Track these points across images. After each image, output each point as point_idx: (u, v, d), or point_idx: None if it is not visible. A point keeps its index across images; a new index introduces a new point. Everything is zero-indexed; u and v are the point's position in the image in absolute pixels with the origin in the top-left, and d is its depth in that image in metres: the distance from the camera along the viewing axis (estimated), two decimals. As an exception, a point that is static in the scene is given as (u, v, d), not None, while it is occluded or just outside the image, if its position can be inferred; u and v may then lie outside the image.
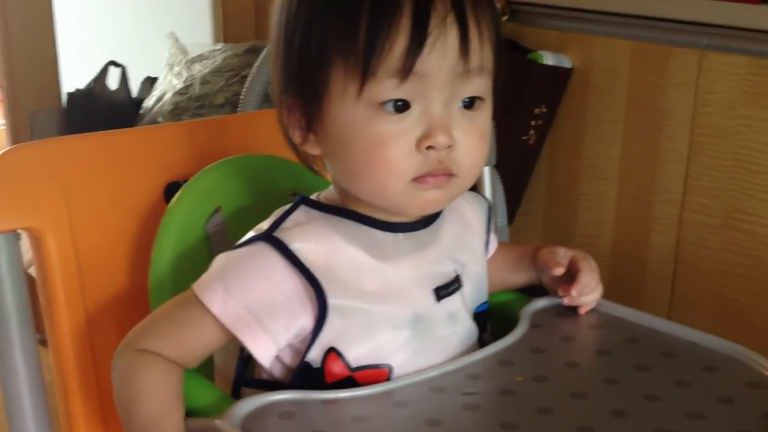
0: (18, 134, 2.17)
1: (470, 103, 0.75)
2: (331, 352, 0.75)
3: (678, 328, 0.83)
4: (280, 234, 0.76)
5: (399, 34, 0.70)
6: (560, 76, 1.83)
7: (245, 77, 1.91)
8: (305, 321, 0.75)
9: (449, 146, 0.73)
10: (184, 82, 2.21)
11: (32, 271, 0.94)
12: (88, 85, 2.26)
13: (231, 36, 2.50)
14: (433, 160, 0.73)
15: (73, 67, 2.30)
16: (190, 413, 0.75)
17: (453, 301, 0.81)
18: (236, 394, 0.81)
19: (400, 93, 0.71)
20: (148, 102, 2.25)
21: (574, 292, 0.86)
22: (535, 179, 1.94)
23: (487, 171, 1.46)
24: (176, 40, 2.35)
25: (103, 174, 0.95)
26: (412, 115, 0.72)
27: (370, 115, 0.72)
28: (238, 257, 0.76)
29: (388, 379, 0.76)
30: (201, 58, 2.28)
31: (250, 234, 0.78)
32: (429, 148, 0.72)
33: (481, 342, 0.84)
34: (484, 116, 0.76)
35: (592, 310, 0.88)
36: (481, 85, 0.75)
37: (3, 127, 2.40)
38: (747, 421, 0.69)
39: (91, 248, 0.93)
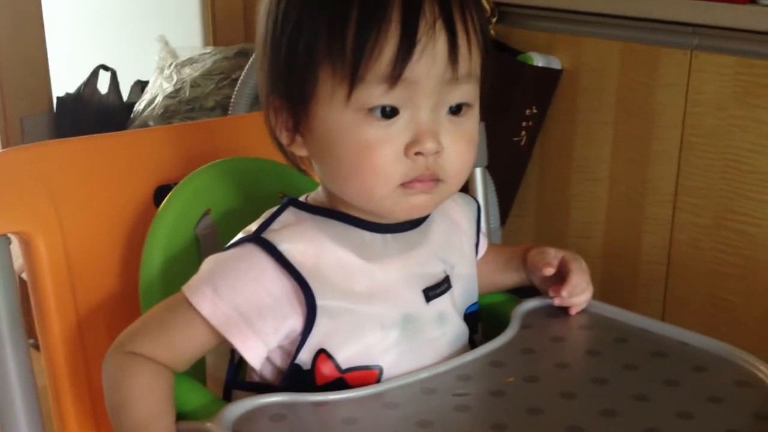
0: (8, 139, 2.16)
1: (458, 109, 0.75)
2: (321, 353, 0.75)
3: (667, 327, 0.84)
4: (269, 235, 0.76)
5: (388, 41, 0.70)
6: (550, 77, 1.83)
7: (235, 80, 1.91)
8: (294, 322, 0.75)
9: (437, 152, 0.73)
10: (175, 85, 2.21)
11: (25, 275, 0.94)
12: (78, 89, 2.26)
13: (221, 39, 2.50)
14: (420, 166, 0.73)
15: (62, 71, 2.30)
16: (181, 416, 0.75)
17: (442, 302, 0.81)
18: (227, 397, 0.81)
19: (389, 99, 0.71)
20: (139, 106, 2.25)
21: (564, 292, 0.86)
22: (527, 181, 1.94)
23: (478, 173, 1.46)
24: (166, 43, 2.35)
25: (93, 177, 0.95)
26: (400, 121, 0.72)
27: (357, 121, 0.72)
28: (227, 259, 0.76)
29: (378, 380, 0.76)
30: (191, 61, 2.28)
31: (239, 236, 0.78)
32: (417, 154, 0.72)
33: (472, 343, 0.84)
34: (471, 121, 0.76)
35: (583, 311, 0.88)
36: (468, 91, 0.75)
37: (-7, 132, 2.39)
38: (736, 420, 0.70)
39: (82, 252, 0.93)
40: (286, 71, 0.75)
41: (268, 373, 0.79)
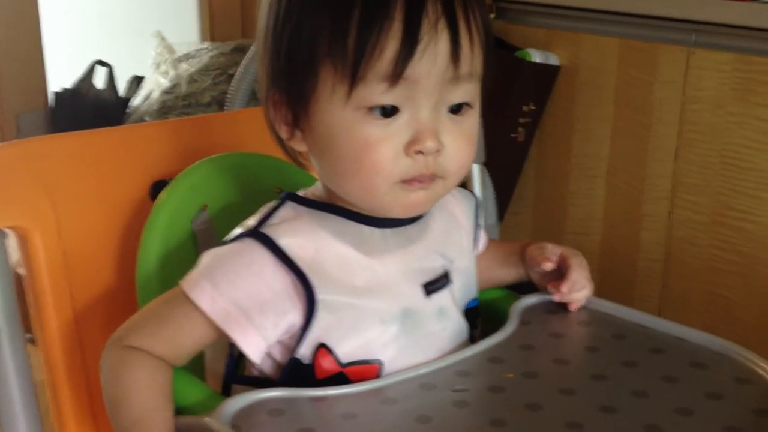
0: (4, 134, 2.16)
1: (458, 108, 0.75)
2: (321, 347, 0.75)
3: (666, 324, 0.84)
4: (268, 230, 0.75)
5: (390, 39, 0.70)
6: (548, 73, 1.83)
7: (232, 76, 1.90)
8: (294, 317, 0.74)
9: (437, 151, 0.73)
10: (171, 81, 2.21)
11: (21, 270, 0.94)
12: (75, 84, 2.25)
13: (218, 35, 2.50)
14: (420, 164, 0.73)
15: (59, 66, 2.29)
16: (179, 411, 0.75)
17: (442, 297, 0.81)
18: (226, 392, 0.81)
19: (389, 98, 0.71)
20: (135, 101, 2.25)
21: (564, 288, 0.85)
22: (524, 177, 1.94)
23: (476, 169, 1.46)
24: (163, 38, 2.34)
25: (89, 172, 0.94)
26: (400, 120, 0.72)
27: (358, 119, 0.72)
28: (226, 253, 0.75)
29: (378, 374, 0.76)
30: (188, 56, 2.28)
31: (237, 230, 0.78)
32: (417, 152, 0.72)
33: (472, 338, 0.84)
34: (471, 120, 0.76)
35: (582, 307, 0.88)
36: (469, 90, 0.75)
37: (-11, 127, 2.38)
38: (735, 416, 0.69)
39: (78, 246, 0.92)
40: (287, 67, 0.74)
41: (267, 368, 0.78)
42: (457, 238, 0.85)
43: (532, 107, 1.84)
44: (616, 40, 1.74)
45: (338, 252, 0.76)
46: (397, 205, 0.75)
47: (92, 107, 2.22)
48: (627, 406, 0.71)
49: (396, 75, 0.70)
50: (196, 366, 0.84)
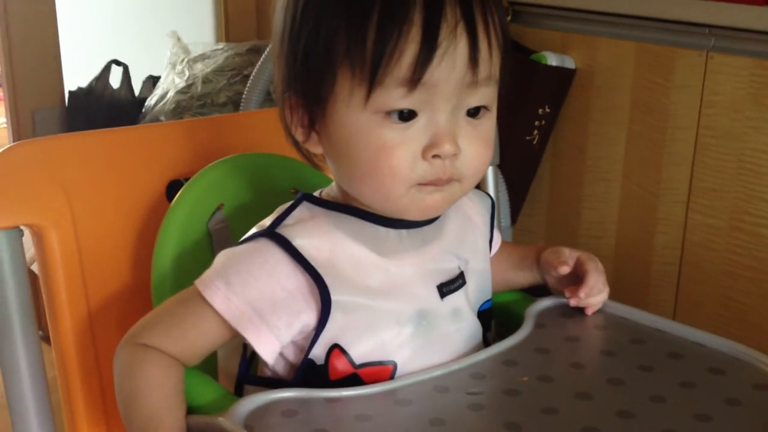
0: (20, 132, 2.17)
1: (476, 112, 0.74)
2: (335, 348, 0.75)
3: (684, 329, 0.83)
4: (283, 230, 0.75)
5: (409, 43, 0.69)
6: (564, 76, 1.83)
7: (247, 76, 1.91)
8: (308, 317, 0.74)
9: (454, 154, 0.72)
10: (186, 81, 2.21)
11: (35, 267, 0.94)
12: (90, 83, 2.26)
13: (233, 35, 2.50)
14: (437, 168, 0.73)
15: (75, 65, 2.30)
16: (192, 410, 0.75)
17: (457, 298, 0.80)
18: (239, 392, 0.81)
19: (407, 102, 0.71)
20: (150, 101, 2.25)
21: (582, 293, 0.85)
22: (539, 180, 1.93)
23: (490, 171, 1.45)
24: (178, 39, 2.35)
25: (105, 171, 0.94)
26: (418, 124, 0.72)
27: (375, 123, 0.71)
28: (241, 254, 0.75)
29: (392, 376, 0.76)
30: (203, 57, 2.28)
31: (253, 231, 0.77)
32: (434, 156, 0.72)
33: (486, 341, 0.84)
34: (489, 123, 0.76)
35: (598, 311, 0.87)
36: (487, 94, 0.74)
37: (4, 126, 2.39)
38: (754, 423, 0.69)
39: (94, 245, 0.92)
40: (304, 70, 0.74)
41: (280, 368, 0.78)
42: (472, 239, 0.85)
43: (548, 110, 1.84)
44: (633, 43, 1.73)
45: (353, 253, 0.76)
46: (413, 207, 0.75)
47: (107, 106, 2.23)
48: (644, 411, 0.70)
49: (414, 80, 0.69)
50: (209, 366, 0.84)
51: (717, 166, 1.64)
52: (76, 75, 2.28)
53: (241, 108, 1.84)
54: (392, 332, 0.76)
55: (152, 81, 2.38)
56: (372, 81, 0.70)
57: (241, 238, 0.78)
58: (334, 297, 0.73)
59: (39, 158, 0.90)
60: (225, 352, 0.86)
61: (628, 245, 1.80)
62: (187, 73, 2.23)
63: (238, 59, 2.26)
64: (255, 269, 0.74)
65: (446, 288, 0.79)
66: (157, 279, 0.88)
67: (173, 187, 0.95)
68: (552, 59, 1.81)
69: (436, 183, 0.73)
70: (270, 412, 0.70)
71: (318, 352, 0.75)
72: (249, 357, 0.81)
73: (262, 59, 1.81)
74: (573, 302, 0.86)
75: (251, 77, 1.80)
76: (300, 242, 0.74)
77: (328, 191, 0.81)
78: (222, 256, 0.76)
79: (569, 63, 1.82)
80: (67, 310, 0.91)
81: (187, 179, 0.93)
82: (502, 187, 1.70)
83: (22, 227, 0.89)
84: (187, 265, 0.88)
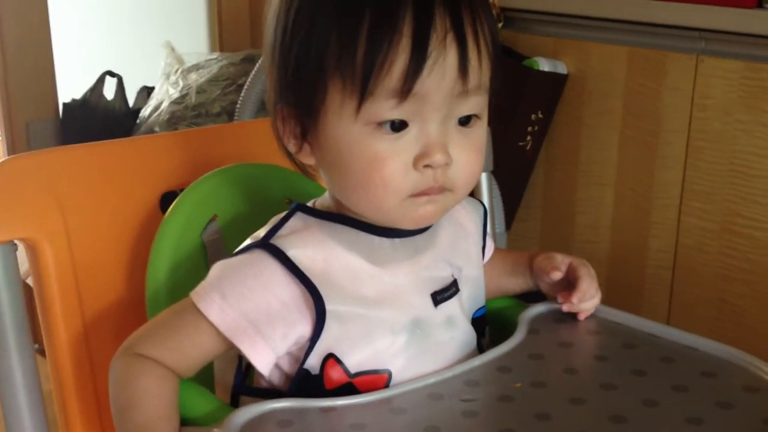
0: (14, 144, 2.17)
1: (467, 120, 0.75)
2: (330, 358, 0.75)
3: (676, 332, 0.83)
4: (277, 241, 0.76)
5: (399, 55, 0.69)
6: (556, 82, 1.83)
7: (241, 86, 1.91)
8: (303, 328, 0.75)
9: (446, 164, 0.73)
10: (181, 91, 2.21)
11: (30, 281, 0.94)
12: (85, 95, 2.26)
13: (227, 45, 2.50)
14: (429, 178, 0.73)
15: (69, 77, 2.30)
16: (188, 422, 0.75)
17: (451, 306, 0.81)
18: (235, 403, 0.81)
19: (398, 113, 0.71)
20: (145, 112, 2.25)
21: (574, 299, 0.85)
22: (532, 185, 1.94)
23: (484, 177, 1.46)
24: (172, 49, 2.35)
25: (99, 184, 0.95)
26: (409, 134, 0.72)
27: (367, 134, 0.72)
28: (235, 265, 0.76)
29: (387, 384, 0.76)
30: (197, 67, 2.28)
31: (247, 242, 0.78)
32: (426, 166, 0.72)
33: (480, 347, 0.84)
34: (480, 131, 0.76)
35: (591, 316, 0.87)
36: (478, 103, 0.75)
37: (-1, 138, 2.39)
38: (746, 426, 0.69)
39: (88, 258, 0.93)
40: (295, 81, 0.74)
41: (276, 379, 0.78)
42: (465, 247, 0.85)
43: (540, 115, 1.84)
44: (624, 48, 1.74)
45: (348, 262, 0.76)
46: (406, 218, 0.75)
47: (102, 118, 2.23)
48: (637, 415, 0.70)
49: (405, 91, 0.70)
50: (205, 377, 0.85)
51: (709, 169, 1.65)
52: (71, 87, 2.28)
53: (235, 118, 1.84)
54: (387, 341, 0.76)
55: (146, 92, 2.37)
56: (363, 92, 0.70)
57: (235, 249, 0.78)
58: (328, 307, 0.74)
59: (33, 172, 0.91)
60: (221, 364, 0.86)
61: (621, 249, 1.81)
62: (181, 83, 2.23)
63: (232, 69, 2.27)
64: (250, 281, 0.74)
65: (440, 296, 0.80)
66: (151, 291, 0.89)
67: (167, 199, 0.95)
68: (544, 65, 1.82)
69: (428, 193, 0.74)
70: (265, 423, 0.70)
71: (313, 362, 0.75)
72: (245, 368, 0.81)
73: (256, 69, 1.82)
74: (566, 308, 0.86)
75: (245, 87, 1.80)
76: (294, 253, 0.75)
77: (322, 201, 0.81)
78: (217, 268, 0.77)
79: (561, 68, 1.83)
80: (61, 323, 0.91)
81: (181, 190, 0.93)
82: (496, 193, 1.71)
83: (15, 241, 0.89)
84: (181, 277, 0.88)
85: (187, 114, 2.15)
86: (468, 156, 0.75)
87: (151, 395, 0.74)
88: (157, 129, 2.14)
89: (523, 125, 1.84)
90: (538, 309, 0.88)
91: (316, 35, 0.72)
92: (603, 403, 0.73)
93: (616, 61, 1.75)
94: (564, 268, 0.87)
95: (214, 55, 2.34)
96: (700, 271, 1.69)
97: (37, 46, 2.14)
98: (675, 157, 1.69)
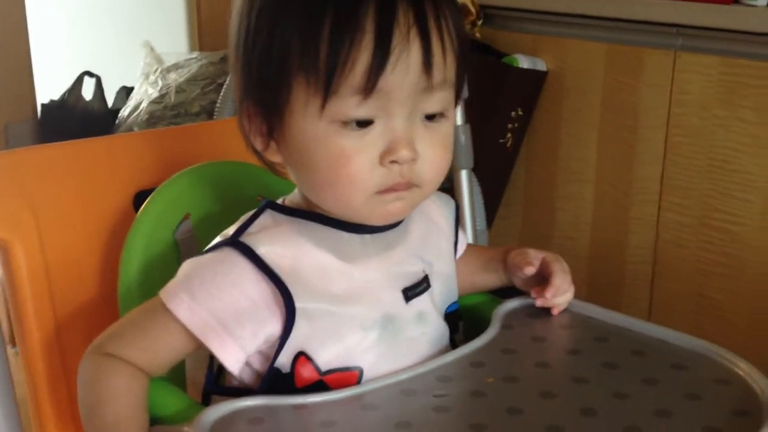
0: (-7, 146, 2.16)
1: (432, 116, 0.74)
2: (301, 356, 0.75)
3: (648, 326, 0.84)
4: (246, 239, 0.75)
5: (361, 52, 0.69)
6: (535, 79, 1.84)
7: (221, 85, 1.91)
8: (273, 326, 0.74)
9: (413, 159, 0.73)
10: (160, 91, 2.21)
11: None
12: (63, 95, 2.25)
13: (206, 44, 2.50)
14: (395, 174, 0.73)
15: (47, 77, 2.29)
16: (159, 420, 0.75)
17: (422, 302, 0.81)
18: (206, 402, 0.81)
19: (363, 110, 0.71)
20: (124, 112, 2.25)
21: (548, 294, 0.85)
22: (513, 182, 1.94)
23: (464, 174, 1.46)
24: (151, 49, 2.34)
25: (72, 183, 0.94)
26: (374, 131, 0.72)
27: (332, 131, 0.72)
28: (204, 263, 0.75)
29: (358, 381, 0.76)
30: (176, 66, 2.28)
31: (217, 240, 0.77)
32: (392, 162, 0.72)
33: (453, 343, 0.84)
34: (446, 126, 0.76)
35: (564, 310, 0.87)
36: (443, 98, 0.75)
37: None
38: (714, 417, 0.69)
39: (60, 258, 0.92)
40: (259, 80, 0.74)
41: (247, 378, 0.78)
42: (436, 242, 0.85)
43: (520, 113, 1.85)
44: (603, 45, 1.75)
45: (317, 259, 0.76)
46: (374, 215, 0.75)
47: (81, 118, 2.22)
48: (607, 408, 0.71)
49: (369, 87, 0.70)
50: (177, 376, 0.84)
51: (687, 165, 1.66)
52: (49, 87, 2.27)
53: (214, 117, 1.84)
54: (357, 337, 0.76)
55: (125, 92, 2.37)
56: (327, 91, 0.70)
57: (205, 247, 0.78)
58: (298, 304, 0.73)
59: (4, 171, 0.90)
60: (193, 363, 0.86)
61: (602, 245, 1.81)
62: (160, 83, 2.23)
63: (211, 68, 2.26)
64: (219, 279, 0.74)
65: (411, 292, 0.80)
66: (123, 290, 0.88)
67: (140, 198, 0.95)
68: (523, 62, 1.82)
69: (395, 189, 0.73)
70: (236, 421, 0.70)
71: (283, 361, 0.75)
72: (216, 367, 0.80)
73: (234, 68, 1.81)
74: (539, 302, 0.86)
75: (225, 86, 1.80)
76: (263, 250, 0.74)
77: (292, 198, 0.81)
78: (186, 266, 0.76)
79: (540, 65, 1.84)
80: (34, 324, 0.90)
81: (154, 189, 0.93)
82: (477, 190, 1.71)
83: (-14, 241, 0.88)
84: (154, 276, 0.88)
85: (166, 114, 2.14)
86: (435, 151, 0.74)
87: (120, 395, 0.74)
88: (136, 129, 2.13)
89: (503, 122, 1.84)
90: (511, 304, 0.88)
91: (278, 35, 0.72)
92: (574, 396, 0.73)
93: (595, 57, 1.76)
94: (537, 263, 0.87)
95: (194, 55, 2.34)
96: (679, 266, 1.70)
97: (14, 48, 2.14)
98: (653, 153, 1.70)
